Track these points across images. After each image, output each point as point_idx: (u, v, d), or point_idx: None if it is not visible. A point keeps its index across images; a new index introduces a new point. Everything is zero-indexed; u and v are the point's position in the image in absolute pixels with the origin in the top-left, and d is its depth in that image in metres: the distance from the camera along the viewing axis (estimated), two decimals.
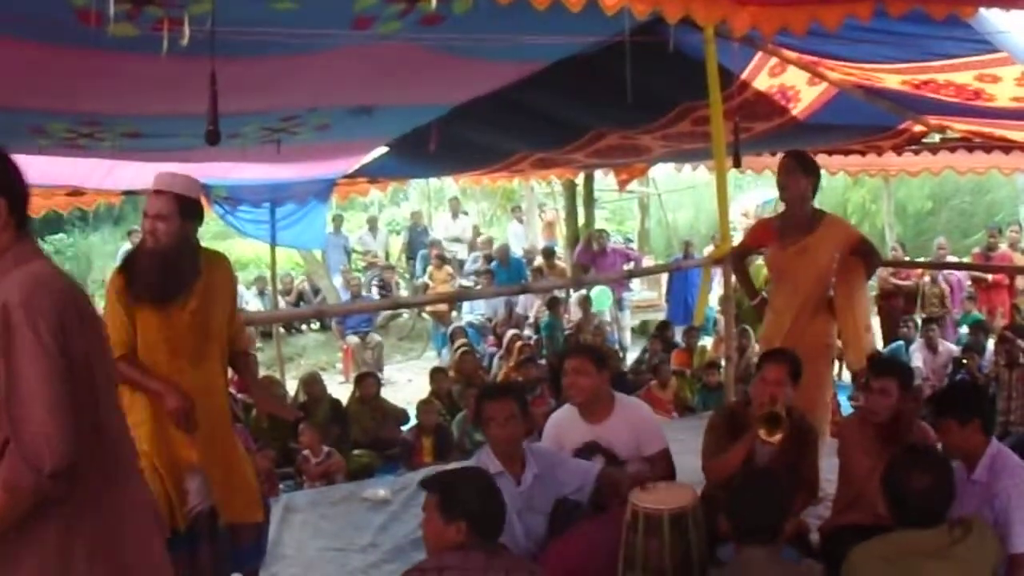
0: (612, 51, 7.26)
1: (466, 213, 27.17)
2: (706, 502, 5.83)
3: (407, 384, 16.89)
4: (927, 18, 5.45)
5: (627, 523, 5.62)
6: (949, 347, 14.62)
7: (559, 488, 6.17)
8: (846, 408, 11.22)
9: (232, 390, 9.94)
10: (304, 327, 21.56)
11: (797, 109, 9.59)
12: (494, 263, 21.39)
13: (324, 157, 11.46)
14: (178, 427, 5.59)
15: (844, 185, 26.16)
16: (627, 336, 19.79)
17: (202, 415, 5.66)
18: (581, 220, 23.11)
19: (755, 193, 25.27)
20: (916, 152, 12.93)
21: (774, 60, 8.72)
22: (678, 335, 16.45)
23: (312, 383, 12.68)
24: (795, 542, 5.97)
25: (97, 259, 27.25)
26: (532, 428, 7.06)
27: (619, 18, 5.39)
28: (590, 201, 23.07)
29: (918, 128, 10.64)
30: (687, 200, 32.04)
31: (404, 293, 22.87)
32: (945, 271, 18.15)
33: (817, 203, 8.38)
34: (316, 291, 22.12)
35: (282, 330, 18.71)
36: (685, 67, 8.24)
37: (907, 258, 20.49)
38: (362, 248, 24.27)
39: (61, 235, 28.82)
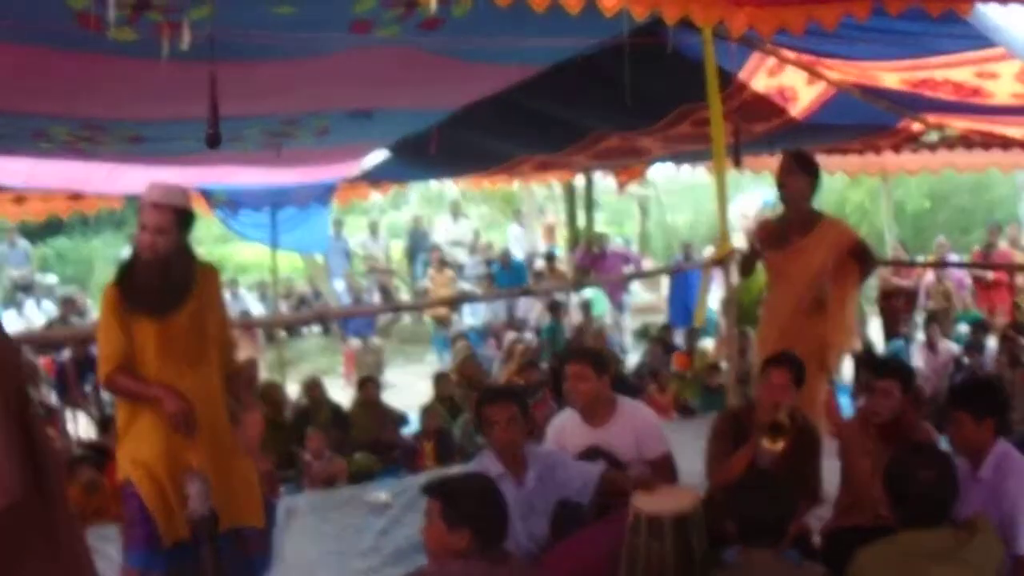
0: (611, 53, 7.27)
1: (467, 217, 27.15)
2: (709, 505, 5.84)
3: (408, 387, 16.88)
4: (924, 15, 5.47)
5: (629, 526, 5.62)
6: (950, 346, 14.60)
7: (561, 489, 6.17)
8: (845, 409, 11.20)
9: None
10: (305, 331, 21.57)
11: (795, 109, 9.61)
12: (495, 266, 21.40)
13: (325, 161, 11.47)
14: (178, 431, 5.63)
15: (843, 185, 26.12)
16: (627, 339, 19.79)
17: (202, 419, 5.71)
18: (581, 223, 23.10)
19: (755, 193, 25.25)
20: (915, 151, 12.95)
21: (772, 61, 8.74)
22: (679, 337, 16.46)
23: (313, 387, 12.71)
24: (797, 544, 5.96)
25: (99, 263, 27.26)
26: (533, 430, 7.07)
27: (618, 20, 5.41)
28: (590, 204, 23.06)
29: (916, 127, 10.66)
30: (686, 201, 32.02)
31: (405, 297, 22.87)
32: (945, 270, 18.14)
33: (816, 203, 8.40)
34: (317, 295, 22.13)
35: (283, 334, 18.72)
36: (684, 69, 8.26)
37: (908, 257, 20.50)
38: (363, 252, 24.27)
39: (62, 239, 28.83)
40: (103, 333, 5.76)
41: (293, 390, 13.85)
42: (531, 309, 19.46)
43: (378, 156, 11.86)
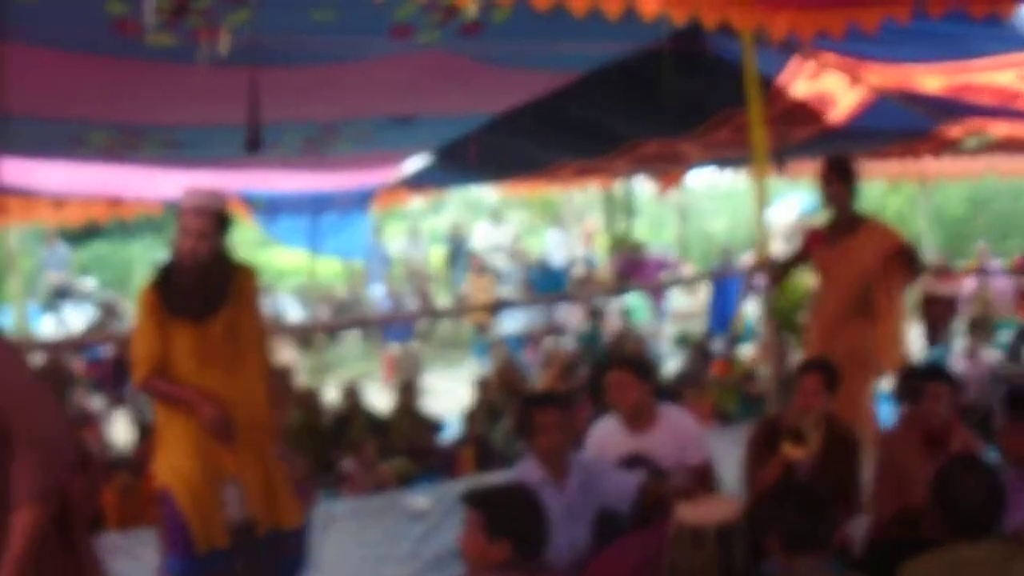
0: (650, 59, 7.26)
1: (506, 223, 27.15)
2: (750, 516, 5.80)
3: (447, 392, 16.87)
4: (966, 18, 5.43)
5: (672, 537, 5.59)
6: (990, 353, 14.49)
7: (601, 498, 6.13)
8: (884, 417, 11.09)
9: None
10: (345, 335, 21.60)
11: (835, 114, 9.57)
12: (534, 272, 21.38)
13: (365, 166, 11.49)
14: (215, 436, 5.62)
15: (881, 191, 25.95)
16: (665, 345, 19.73)
17: (240, 423, 5.69)
18: (620, 229, 23.06)
19: (792, 199, 25.14)
20: (955, 155, 12.86)
21: (812, 65, 8.70)
22: (718, 344, 16.40)
23: (352, 394, 12.71)
24: (838, 553, 5.92)
25: (138, 267, 27.34)
26: (576, 436, 7.03)
27: (657, 26, 5.39)
28: (629, 210, 23.01)
29: (956, 132, 10.59)
30: (723, 208, 31.92)
31: (444, 302, 22.88)
32: (986, 276, 18.01)
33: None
34: (356, 300, 22.16)
35: (322, 338, 18.74)
36: (723, 74, 8.24)
37: (949, 264, 20.37)
38: (403, 257, 24.31)
39: (101, 243, 28.91)
40: (140, 336, 5.75)
41: (332, 394, 13.85)
42: (570, 315, 19.43)
43: (419, 162, 11.88)
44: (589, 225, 26.79)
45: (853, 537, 6.47)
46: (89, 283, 22.93)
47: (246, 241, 23.84)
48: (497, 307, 18.91)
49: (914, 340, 15.97)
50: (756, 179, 9.43)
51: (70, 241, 22.48)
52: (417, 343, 19.35)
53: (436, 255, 26.08)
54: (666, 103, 7.25)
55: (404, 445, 11.87)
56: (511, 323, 19.85)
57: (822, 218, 9.10)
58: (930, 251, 19.51)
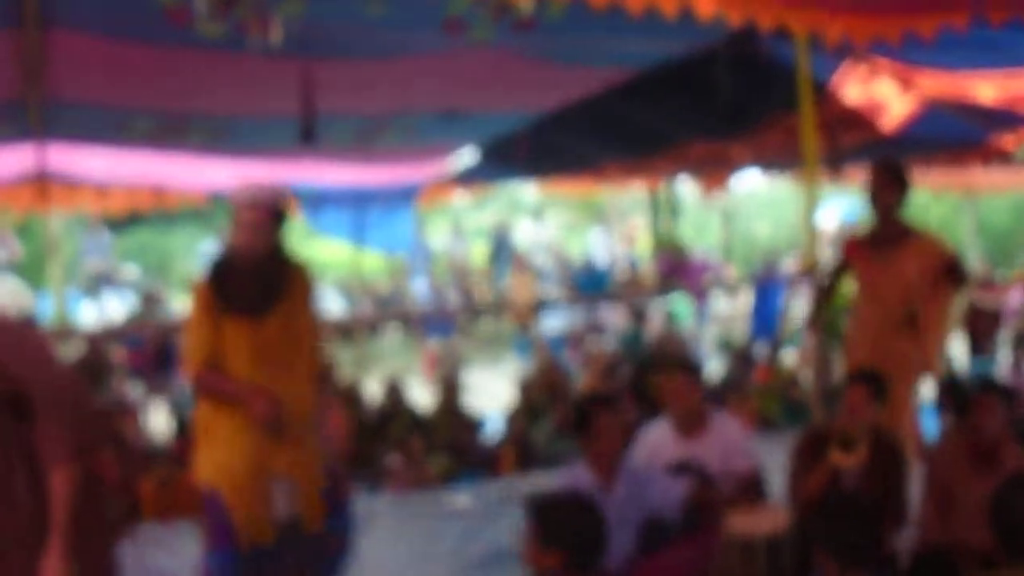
0: (703, 60, 7.22)
1: (549, 221, 27.16)
2: (798, 527, 5.75)
3: (487, 389, 16.87)
4: (1022, 26, 5.38)
5: (723, 546, 5.56)
6: None
7: (649, 504, 6.07)
8: (929, 430, 11.00)
9: None
10: (386, 329, 21.62)
11: (886, 121, 9.49)
12: (576, 272, 21.36)
13: (412, 160, 11.48)
14: (267, 432, 5.58)
15: (927, 200, 25.79)
16: (707, 349, 19.67)
17: (290, 421, 5.65)
18: (664, 230, 23.01)
19: (834, 206, 25.03)
20: (1004, 165, 12.74)
21: (865, 71, 8.64)
22: (760, 349, 16.32)
23: (394, 389, 12.70)
24: (884, 566, 5.87)
25: (179, 256, 27.43)
26: (626, 440, 6.96)
27: (712, 27, 5.36)
28: (673, 211, 22.96)
29: (1009, 142, 10.50)
30: (766, 212, 31.83)
31: (487, 299, 22.88)
32: None
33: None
34: (399, 294, 22.18)
35: (364, 332, 18.76)
36: (776, 77, 8.19)
37: (992, 275, 20.24)
38: (446, 253, 24.34)
39: (144, 230, 28.96)
40: (193, 329, 5.71)
41: (372, 388, 13.86)
42: (611, 315, 19.40)
43: (466, 158, 11.87)
44: (632, 226, 26.76)
45: (899, 550, 6.41)
46: (130, 271, 22.98)
47: (291, 233, 23.90)
48: (540, 305, 18.91)
49: (957, 352, 15.90)
50: (806, 184, 9.37)
51: (112, 228, 22.52)
52: (458, 339, 19.35)
53: (479, 251, 26.10)
54: (719, 104, 7.21)
55: (445, 442, 11.85)
56: (553, 322, 19.85)
57: (864, 226, 9.02)
58: (974, 262, 19.39)
